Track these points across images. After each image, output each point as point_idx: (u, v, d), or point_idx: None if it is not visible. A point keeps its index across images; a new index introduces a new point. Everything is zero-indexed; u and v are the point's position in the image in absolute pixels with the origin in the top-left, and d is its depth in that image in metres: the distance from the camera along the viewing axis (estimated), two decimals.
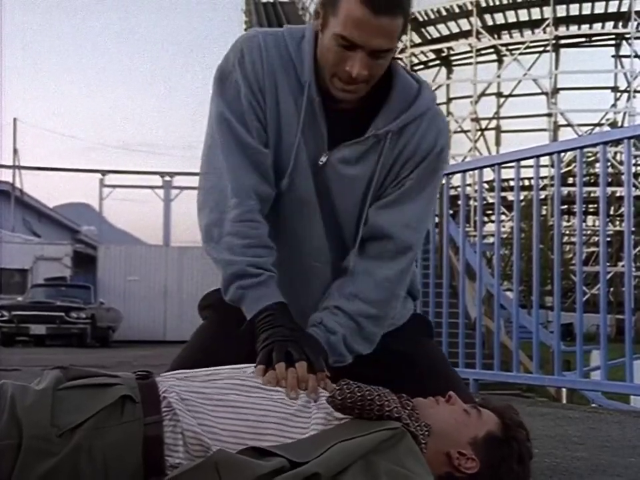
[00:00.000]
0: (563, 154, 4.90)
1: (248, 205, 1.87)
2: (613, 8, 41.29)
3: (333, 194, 1.94)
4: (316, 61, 1.88)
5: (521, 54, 42.90)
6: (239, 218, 1.86)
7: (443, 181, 5.52)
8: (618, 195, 30.94)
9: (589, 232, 33.06)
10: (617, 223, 35.28)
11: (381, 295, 1.94)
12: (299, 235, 1.97)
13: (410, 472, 1.44)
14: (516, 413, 1.71)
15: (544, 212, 31.51)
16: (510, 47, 43.81)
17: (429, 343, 2.19)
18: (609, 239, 32.22)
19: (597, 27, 43.39)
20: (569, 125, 42.07)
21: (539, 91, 43.07)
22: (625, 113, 41.39)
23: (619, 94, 43.56)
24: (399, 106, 1.91)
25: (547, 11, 40.98)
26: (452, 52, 46.60)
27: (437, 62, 47.17)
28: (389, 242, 1.95)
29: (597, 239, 31.47)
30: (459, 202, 5.27)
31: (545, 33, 41.22)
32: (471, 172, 5.49)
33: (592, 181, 27.04)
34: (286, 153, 1.91)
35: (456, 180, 5.65)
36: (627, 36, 40.97)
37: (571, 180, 27.67)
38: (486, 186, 19.11)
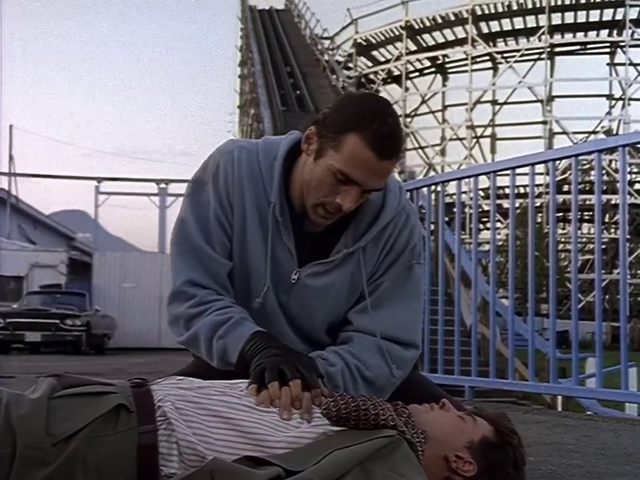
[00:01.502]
0: (558, 162, 4.91)
1: (203, 293, 1.90)
2: (607, 16, 41.43)
3: (307, 307, 1.95)
4: (287, 179, 1.91)
5: (516, 61, 43.00)
6: (195, 303, 1.90)
7: (438, 188, 5.53)
8: (613, 202, 30.99)
9: (584, 239, 33.08)
10: (612, 230, 35.32)
11: (382, 362, 1.92)
12: None
13: (406, 479, 1.44)
14: (508, 420, 1.72)
15: (539, 219, 31.57)
16: (505, 55, 43.93)
17: (412, 373, 2.17)
18: (604, 247, 32.29)
19: (592, 34, 43.52)
20: (564, 132, 42.16)
21: (534, 98, 43.18)
22: (619, 121, 41.48)
23: (613, 102, 43.68)
24: (366, 220, 1.93)
25: (542, 19, 41.09)
26: (447, 59, 46.69)
27: (433, 69, 47.26)
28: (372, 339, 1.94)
29: (592, 246, 31.48)
30: (455, 209, 5.27)
31: (540, 40, 41.32)
32: (466, 179, 5.50)
33: (587, 188, 27.07)
34: (254, 270, 1.92)
35: (451, 187, 5.66)
36: (622, 44, 41.10)
37: (566, 187, 27.70)
38: (481, 193, 19.16)
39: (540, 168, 5.76)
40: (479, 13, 41.88)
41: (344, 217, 1.89)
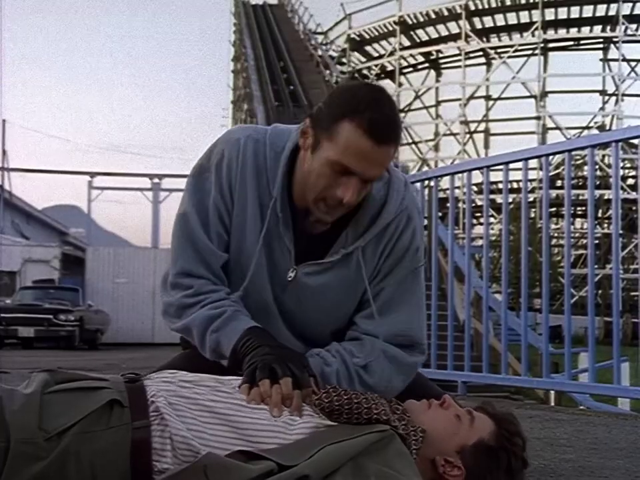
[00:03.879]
0: (551, 157, 4.92)
1: (199, 283, 1.88)
2: (601, 12, 41.49)
3: (304, 306, 1.92)
4: (291, 175, 1.86)
5: (509, 57, 43.05)
6: (190, 294, 1.88)
7: (432, 184, 5.53)
8: (606, 197, 31.07)
9: (577, 234, 33.14)
10: (605, 225, 35.40)
11: (385, 367, 1.89)
12: None
13: (399, 474, 1.44)
14: (514, 422, 1.69)
15: (532, 214, 31.65)
16: (499, 50, 43.97)
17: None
18: (597, 242, 32.39)
19: (585, 30, 43.59)
20: (557, 128, 42.23)
21: (528, 94, 43.24)
22: (613, 116, 41.56)
23: (607, 97, 43.80)
24: (367, 219, 1.88)
25: (536, 15, 41.14)
26: (441, 55, 46.72)
27: (426, 65, 47.29)
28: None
29: (585, 241, 31.52)
30: (448, 204, 5.27)
31: (533, 36, 41.36)
32: (459, 174, 5.50)
33: (580, 183, 27.10)
34: (246, 262, 1.89)
35: (445, 182, 5.67)
36: (615, 39, 41.17)
37: (559, 183, 27.73)
38: (475, 188, 19.17)
39: (533, 163, 5.76)
40: (473, 8, 41.89)
41: (345, 217, 1.85)
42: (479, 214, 26.26)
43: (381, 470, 1.43)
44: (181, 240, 1.92)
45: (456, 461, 1.60)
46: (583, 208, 29.51)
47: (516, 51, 43.23)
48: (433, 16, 43.20)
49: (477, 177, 5.54)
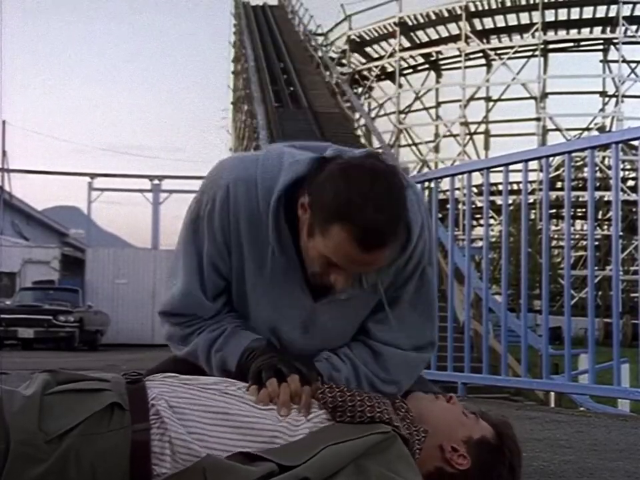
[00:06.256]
0: (551, 158, 4.92)
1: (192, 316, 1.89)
2: (601, 13, 41.46)
3: (326, 336, 1.88)
4: (293, 214, 1.76)
5: (509, 58, 43.02)
6: (188, 323, 1.89)
7: (432, 185, 5.53)
8: (606, 199, 31.01)
9: (577, 236, 33.12)
10: (605, 227, 35.38)
11: (390, 377, 1.88)
12: None
13: (401, 477, 1.43)
14: (511, 428, 1.71)
15: (532, 216, 31.63)
16: (499, 52, 43.94)
17: None
18: (597, 243, 32.36)
19: (585, 31, 43.55)
20: (557, 129, 42.20)
21: (528, 95, 43.19)
22: (613, 118, 41.55)
23: (607, 99, 43.76)
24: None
25: (536, 16, 41.12)
26: (441, 56, 46.67)
27: (426, 66, 47.25)
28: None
29: (585, 243, 31.52)
30: (448, 206, 5.27)
31: (533, 37, 41.35)
32: (459, 176, 5.49)
33: (580, 185, 27.08)
34: (253, 309, 1.85)
35: (445, 184, 5.67)
36: (615, 41, 41.15)
37: (559, 184, 27.69)
38: (475, 190, 19.13)
39: (533, 164, 5.76)
40: (473, 9, 41.87)
41: None
42: (479, 215, 26.24)
43: (382, 473, 1.42)
44: (180, 296, 1.90)
45: (462, 450, 1.61)
46: (583, 209, 29.51)
47: (516, 52, 43.21)
48: (433, 17, 43.17)
49: (477, 178, 5.54)
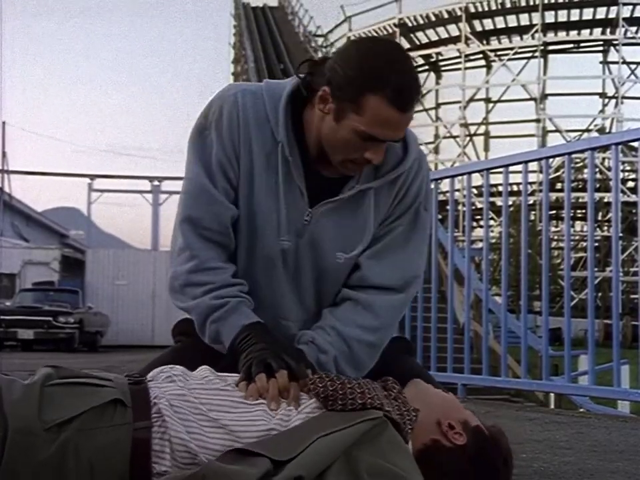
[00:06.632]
0: (551, 159, 4.91)
1: (205, 255, 1.88)
2: (601, 14, 41.53)
3: (320, 250, 1.93)
4: (297, 122, 1.88)
5: (509, 60, 43.08)
6: (195, 268, 1.87)
7: (432, 186, 5.53)
8: (606, 200, 31.05)
9: (577, 237, 33.14)
10: (605, 228, 35.42)
11: (379, 323, 1.93)
12: (264, 291, 1.95)
13: (393, 465, 1.43)
14: (505, 437, 1.71)
15: (532, 217, 31.65)
16: (498, 53, 44.00)
17: (409, 360, 2.18)
18: (596, 244, 32.38)
19: (585, 33, 43.62)
20: (557, 130, 42.26)
21: (528, 96, 43.26)
22: (612, 119, 41.61)
23: (606, 100, 43.82)
24: (385, 165, 1.91)
25: (536, 17, 41.17)
26: (441, 57, 46.75)
27: (426, 67, 47.30)
28: (383, 290, 1.95)
29: (584, 244, 31.55)
30: (448, 207, 5.27)
31: (533, 38, 41.40)
32: (459, 177, 5.50)
33: (580, 186, 27.10)
34: (260, 211, 1.90)
35: (445, 185, 5.66)
36: (615, 42, 41.21)
37: (559, 185, 27.72)
38: (474, 191, 19.15)
39: (533, 166, 5.76)
40: (473, 10, 41.93)
41: None
42: (478, 216, 26.28)
43: (374, 463, 1.42)
44: (191, 193, 1.91)
45: (459, 429, 1.61)
46: (583, 211, 29.56)
47: (516, 53, 43.27)
48: (433, 18, 43.24)
49: (477, 179, 5.54)
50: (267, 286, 1.93)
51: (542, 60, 41.78)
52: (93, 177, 34.40)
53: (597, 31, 43.14)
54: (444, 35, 44.70)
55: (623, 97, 41.32)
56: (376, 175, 1.91)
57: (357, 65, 1.75)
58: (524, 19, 42.48)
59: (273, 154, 1.88)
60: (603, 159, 29.67)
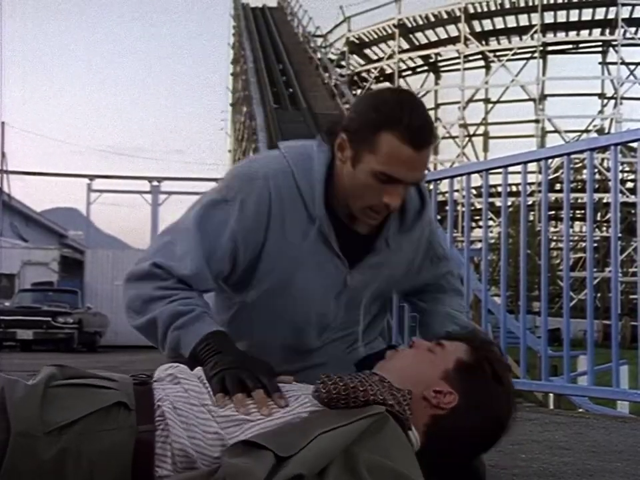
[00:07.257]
0: (550, 160, 4.91)
1: (172, 283, 1.86)
2: (600, 15, 41.55)
3: (360, 294, 2.01)
4: (327, 191, 1.89)
5: (508, 60, 43.09)
6: (161, 286, 1.85)
7: (431, 187, 5.54)
8: (605, 201, 31.08)
9: (576, 238, 33.16)
10: (604, 228, 35.44)
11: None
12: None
13: (393, 461, 1.42)
14: (483, 333, 1.73)
15: (531, 218, 31.64)
16: (498, 54, 44.01)
17: None
18: (595, 245, 32.39)
19: (584, 33, 43.64)
20: (556, 131, 42.28)
21: (527, 97, 43.28)
22: (611, 120, 41.61)
23: (605, 100, 43.84)
24: (408, 215, 1.99)
25: (535, 18, 41.19)
26: (440, 58, 46.77)
27: (425, 68, 47.35)
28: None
29: (583, 244, 31.59)
30: (447, 207, 5.26)
31: (532, 39, 41.42)
32: (458, 178, 5.49)
33: (579, 187, 27.13)
34: (297, 283, 1.92)
35: (444, 186, 5.65)
36: (614, 43, 41.23)
37: (558, 186, 27.73)
38: (474, 192, 19.10)
39: (532, 166, 5.77)
40: (472, 11, 41.95)
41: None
42: (478, 217, 26.30)
43: (374, 461, 1.41)
44: (181, 243, 1.87)
45: (445, 388, 1.61)
46: (582, 211, 29.59)
47: (515, 54, 43.28)
48: (432, 19, 43.25)
49: (476, 180, 5.53)
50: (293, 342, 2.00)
51: (541, 60, 41.80)
52: (92, 177, 34.43)
53: (596, 32, 43.16)
54: (443, 36, 44.72)
55: (622, 98, 41.33)
56: (401, 226, 1.98)
57: (372, 109, 1.78)
58: (523, 20, 42.51)
59: (309, 229, 1.89)
60: (602, 159, 29.70)
